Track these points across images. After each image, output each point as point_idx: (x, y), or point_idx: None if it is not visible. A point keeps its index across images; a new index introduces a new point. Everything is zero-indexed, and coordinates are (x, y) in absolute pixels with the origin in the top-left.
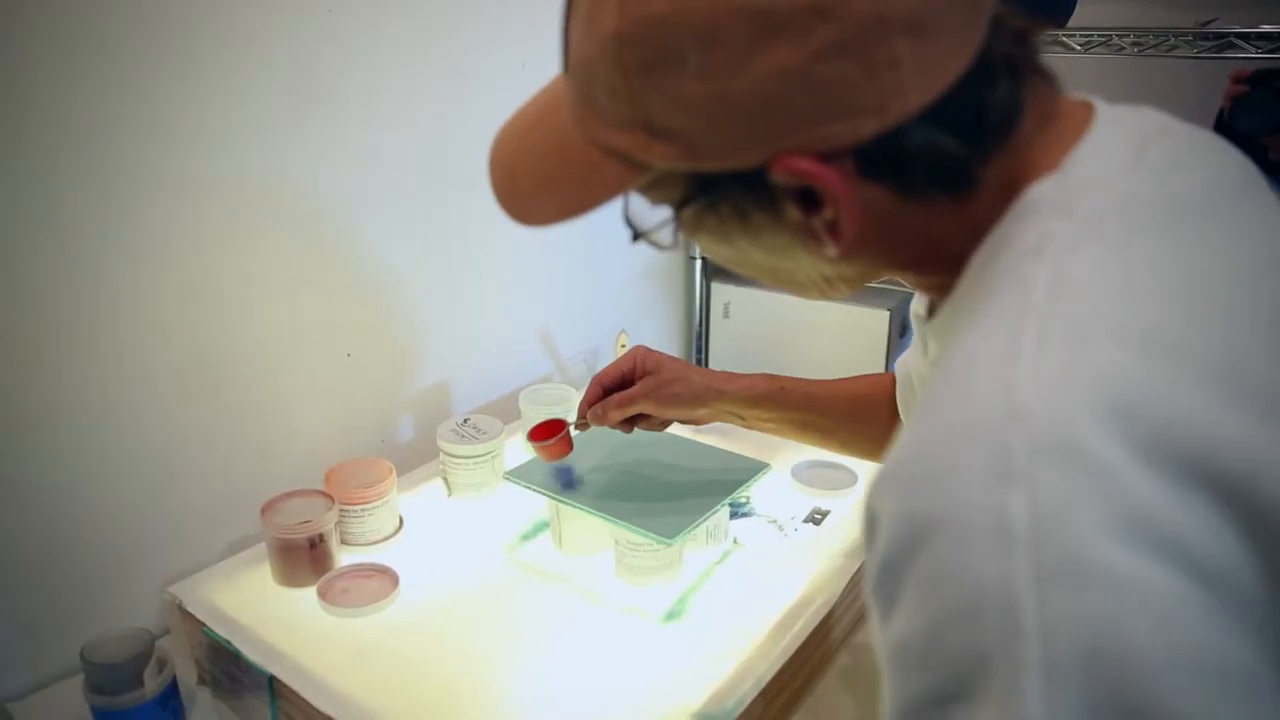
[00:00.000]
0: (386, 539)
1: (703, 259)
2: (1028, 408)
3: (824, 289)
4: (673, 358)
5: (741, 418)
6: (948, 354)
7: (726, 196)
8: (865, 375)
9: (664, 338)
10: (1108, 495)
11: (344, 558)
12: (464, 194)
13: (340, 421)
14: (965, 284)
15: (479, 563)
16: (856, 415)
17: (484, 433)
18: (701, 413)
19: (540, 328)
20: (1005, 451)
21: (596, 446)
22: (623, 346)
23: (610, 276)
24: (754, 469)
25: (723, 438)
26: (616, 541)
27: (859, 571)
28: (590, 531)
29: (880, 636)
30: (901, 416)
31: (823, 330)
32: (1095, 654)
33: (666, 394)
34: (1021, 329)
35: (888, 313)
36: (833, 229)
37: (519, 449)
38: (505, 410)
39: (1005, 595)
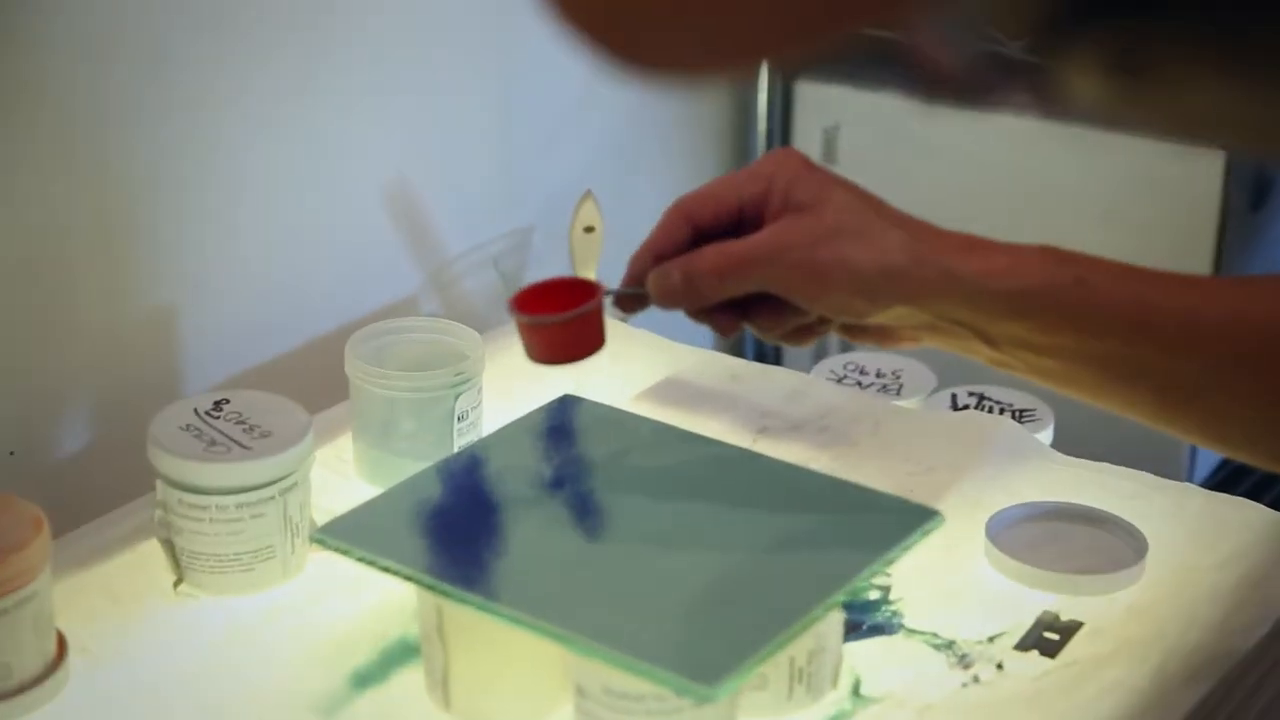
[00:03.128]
0: (25, 691)
1: None
2: None
3: None
4: (847, 184)
5: (984, 338)
6: None
7: (1173, 20)
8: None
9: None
10: None
11: None
12: None
13: None
14: None
15: None
16: (1249, 364)
17: (264, 432)
18: (898, 312)
19: (392, 188)
20: None
21: (562, 453)
22: (588, 230)
23: (560, 72)
24: (901, 525)
25: (834, 453)
26: (580, 690)
27: None
28: (514, 664)
29: None
30: None
31: (1053, 194)
32: None
33: (831, 260)
34: None
35: (1222, 163)
36: None
37: (345, 479)
38: (309, 378)
39: None
